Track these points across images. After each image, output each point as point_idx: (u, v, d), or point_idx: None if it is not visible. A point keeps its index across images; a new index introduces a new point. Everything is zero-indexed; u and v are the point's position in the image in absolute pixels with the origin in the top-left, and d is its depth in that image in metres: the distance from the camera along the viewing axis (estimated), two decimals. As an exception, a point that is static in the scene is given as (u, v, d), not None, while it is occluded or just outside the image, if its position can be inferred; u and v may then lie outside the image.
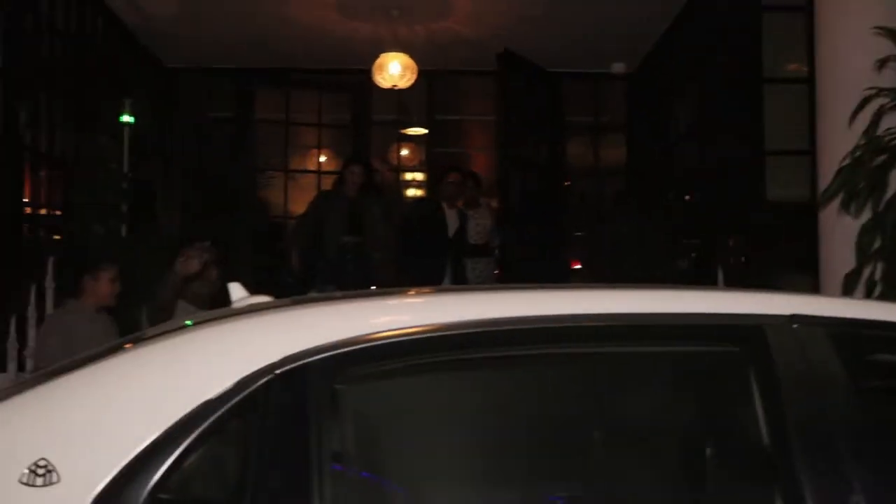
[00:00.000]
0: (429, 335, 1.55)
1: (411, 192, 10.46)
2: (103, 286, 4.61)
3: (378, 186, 7.29)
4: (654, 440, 1.67)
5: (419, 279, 6.67)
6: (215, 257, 4.34)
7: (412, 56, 7.92)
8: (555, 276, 8.61)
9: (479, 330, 1.57)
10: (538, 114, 9.05)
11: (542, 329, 1.60)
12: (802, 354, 1.57)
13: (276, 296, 2.06)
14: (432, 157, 9.60)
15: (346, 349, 1.51)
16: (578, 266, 9.52)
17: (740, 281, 6.33)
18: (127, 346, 1.69)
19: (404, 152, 10.19)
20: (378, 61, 7.87)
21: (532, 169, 9.02)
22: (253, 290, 2.06)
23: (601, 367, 1.70)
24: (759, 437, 1.53)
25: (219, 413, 1.44)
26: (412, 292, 2.00)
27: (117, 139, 7.36)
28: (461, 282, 6.81)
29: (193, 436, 1.42)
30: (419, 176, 10.40)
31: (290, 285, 6.38)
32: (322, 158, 9.47)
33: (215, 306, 4.21)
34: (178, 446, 1.41)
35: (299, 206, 7.10)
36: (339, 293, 2.04)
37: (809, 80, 4.82)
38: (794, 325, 1.60)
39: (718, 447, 1.64)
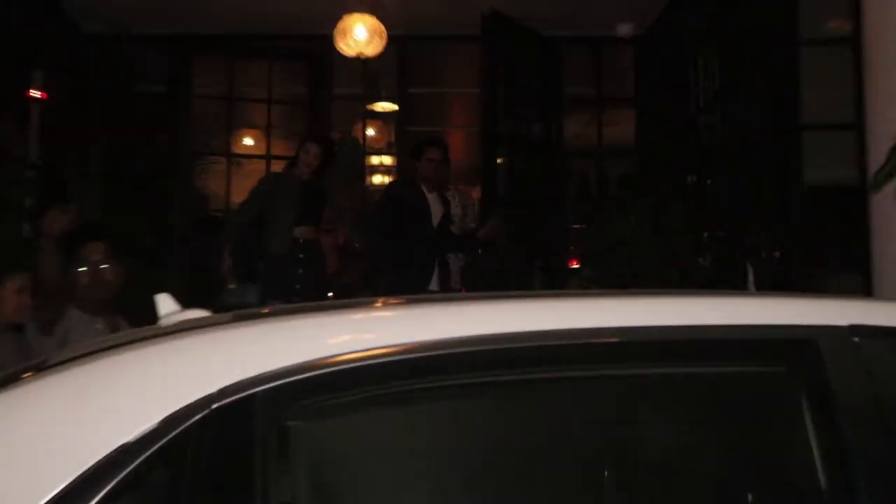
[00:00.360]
0: (401, 358, 1.53)
1: (378, 180, 10.43)
2: (7, 299, 4.50)
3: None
4: (684, 482, 1.64)
5: (404, 284, 6.63)
6: (106, 248, 4.25)
7: (381, 18, 7.87)
8: (549, 279, 8.62)
9: (464, 351, 1.55)
10: (530, 85, 9.05)
11: (544, 349, 1.59)
12: (865, 374, 1.56)
13: (216, 309, 2.01)
14: (403, 138, 9.55)
15: (299, 377, 1.49)
16: (577, 265, 9.53)
17: (774, 281, 6.32)
18: (25, 375, 1.62)
19: (370, 132, 10.18)
20: (340, 24, 7.85)
21: (522, 150, 9.02)
22: (186, 302, 2.01)
23: (617, 393, 1.69)
24: (812, 476, 1.51)
25: (139, 460, 1.40)
26: (380, 304, 1.98)
27: (22, 120, 7.26)
28: (447, 283, 6.76)
29: (106, 490, 1.37)
30: (387, 160, 10.38)
31: (235, 293, 6.32)
32: (272, 140, 9.41)
33: (115, 317, 4.18)
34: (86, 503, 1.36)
35: (245, 196, 6.91)
36: (289, 306, 2.00)
37: (854, 40, 4.81)
38: (855, 339, 1.60)
39: (763, 489, 1.61)
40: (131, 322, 5.69)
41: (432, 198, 6.89)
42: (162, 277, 7.09)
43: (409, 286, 6.68)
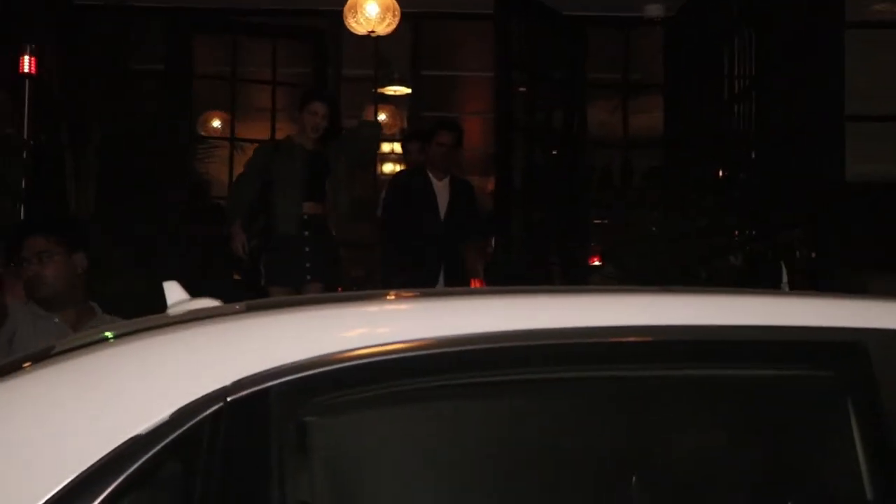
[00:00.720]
0: (420, 353, 1.55)
1: (389, 168, 10.44)
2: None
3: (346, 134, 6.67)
4: (724, 489, 1.64)
5: (409, 278, 6.63)
6: (49, 242, 4.27)
7: (394, -6, 7.88)
8: (569, 275, 8.62)
9: (483, 347, 1.56)
10: (550, 68, 9.02)
11: (569, 346, 1.60)
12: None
13: (225, 299, 2.02)
14: (416, 123, 9.55)
15: (315, 371, 1.50)
16: (598, 262, 9.52)
17: (809, 281, 6.31)
18: (26, 364, 1.64)
19: (382, 116, 10.18)
20: (351, 1, 7.83)
21: (540, 138, 9.00)
22: (192, 291, 2.03)
23: (650, 395, 1.68)
24: (858, 484, 1.51)
25: (150, 453, 1.41)
26: (398, 297, 1.98)
27: (14, 96, 7.28)
28: (456, 277, 6.73)
29: (115, 484, 1.38)
30: (399, 147, 10.38)
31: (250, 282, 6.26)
32: (277, 124, 9.42)
33: (83, 310, 4.20)
34: (94, 499, 1.37)
35: (240, 171, 6.68)
36: (304, 296, 2.01)
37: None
38: (906, 342, 1.60)
39: (807, 498, 1.62)
40: (124, 312, 5.74)
41: (441, 185, 6.84)
42: (161, 265, 7.09)
43: (416, 281, 6.70)
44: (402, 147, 7.88)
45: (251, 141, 8.81)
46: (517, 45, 8.61)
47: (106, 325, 4.10)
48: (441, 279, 6.70)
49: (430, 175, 6.87)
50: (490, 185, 8.67)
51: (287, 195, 6.12)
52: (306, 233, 6.14)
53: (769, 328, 1.64)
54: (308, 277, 6.08)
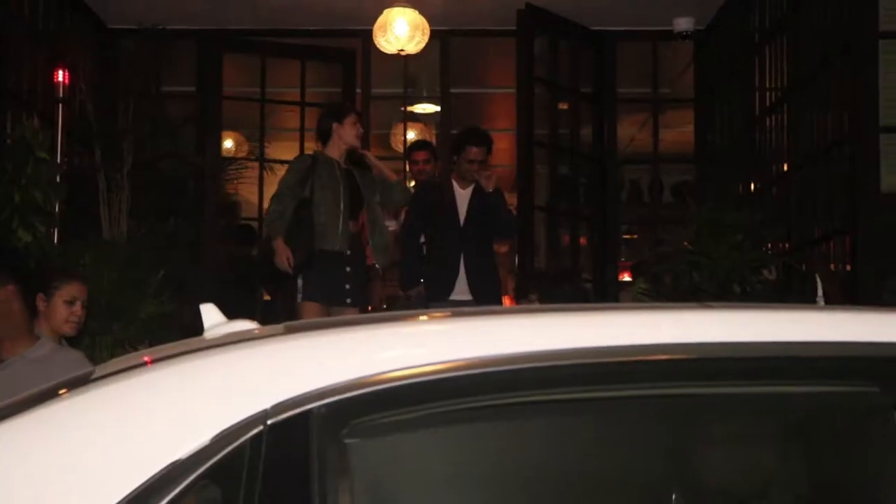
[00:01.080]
0: (460, 374, 1.54)
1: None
2: (57, 310, 4.62)
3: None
4: None
5: (429, 286, 6.60)
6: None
7: (422, 12, 7.88)
8: (598, 291, 8.58)
9: (525, 367, 1.55)
10: (576, 84, 9.03)
11: (611, 365, 1.58)
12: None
13: (262, 320, 2.02)
14: (446, 141, 9.55)
15: (355, 393, 1.50)
16: (629, 278, 9.48)
17: (844, 295, 6.25)
18: (63, 391, 1.64)
19: (411, 135, 10.17)
20: (380, 19, 7.86)
21: (566, 154, 9.01)
22: (228, 313, 2.02)
23: (692, 413, 1.68)
24: None
25: (191, 477, 1.41)
26: (438, 317, 1.97)
27: (48, 121, 7.35)
28: (479, 284, 6.60)
29: None
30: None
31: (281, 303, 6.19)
32: (306, 144, 9.45)
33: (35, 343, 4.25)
34: (138, 523, 1.37)
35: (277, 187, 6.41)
36: (342, 318, 2.01)
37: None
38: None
39: None
40: (157, 333, 5.77)
41: (464, 194, 6.68)
42: (193, 286, 7.11)
43: (434, 288, 6.58)
44: (407, 156, 7.78)
45: (280, 161, 8.85)
46: (541, 61, 8.62)
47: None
48: (463, 279, 6.54)
49: (455, 184, 6.74)
50: (513, 200, 8.66)
51: (331, 212, 5.99)
52: (349, 252, 6.02)
53: (818, 344, 1.62)
54: (348, 301, 5.98)
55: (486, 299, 6.42)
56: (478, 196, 6.66)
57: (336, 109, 6.45)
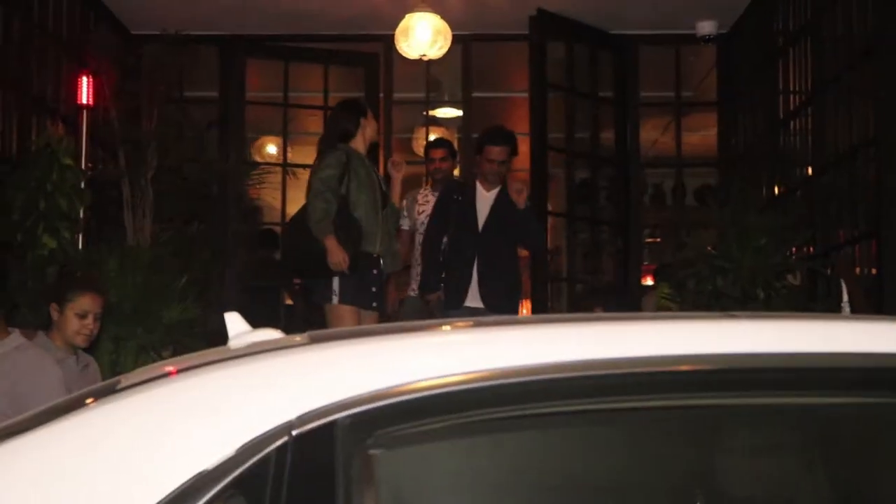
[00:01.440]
0: (487, 384, 1.53)
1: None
2: (69, 321, 4.63)
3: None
4: None
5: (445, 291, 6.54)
6: None
7: (444, 17, 7.88)
8: (619, 298, 8.56)
9: (551, 377, 1.55)
10: (594, 88, 9.05)
11: (636, 375, 1.57)
12: None
13: (287, 328, 2.02)
14: (468, 145, 9.56)
15: (381, 403, 1.50)
16: (651, 281, 9.46)
17: (871, 300, 6.21)
18: (89, 400, 1.65)
19: (432, 138, 10.17)
20: (402, 24, 7.85)
21: (584, 158, 9.07)
22: (250, 318, 2.03)
23: (717, 425, 1.67)
24: None
25: (217, 488, 1.41)
26: (459, 326, 1.97)
27: (72, 126, 7.40)
28: (493, 287, 6.50)
29: None
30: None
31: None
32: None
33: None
34: (164, 534, 1.38)
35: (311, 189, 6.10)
36: (366, 327, 2.01)
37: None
38: None
39: None
40: (181, 339, 5.79)
41: (487, 196, 6.55)
42: (216, 291, 7.13)
43: (448, 294, 6.50)
44: (425, 154, 7.69)
45: (303, 166, 8.86)
46: (557, 66, 8.63)
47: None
48: (472, 292, 6.40)
49: (479, 186, 6.60)
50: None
51: (370, 212, 5.82)
52: (376, 254, 5.89)
53: (854, 355, 1.60)
54: (374, 305, 5.85)
55: (497, 309, 6.28)
56: (502, 201, 6.53)
57: (359, 105, 6.27)
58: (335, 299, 5.74)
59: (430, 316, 6.63)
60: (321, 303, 5.86)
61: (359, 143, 5.98)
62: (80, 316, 4.59)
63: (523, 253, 7.52)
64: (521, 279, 6.82)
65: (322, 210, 5.75)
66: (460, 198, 6.61)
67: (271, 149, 10.42)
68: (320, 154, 6.03)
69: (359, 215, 5.78)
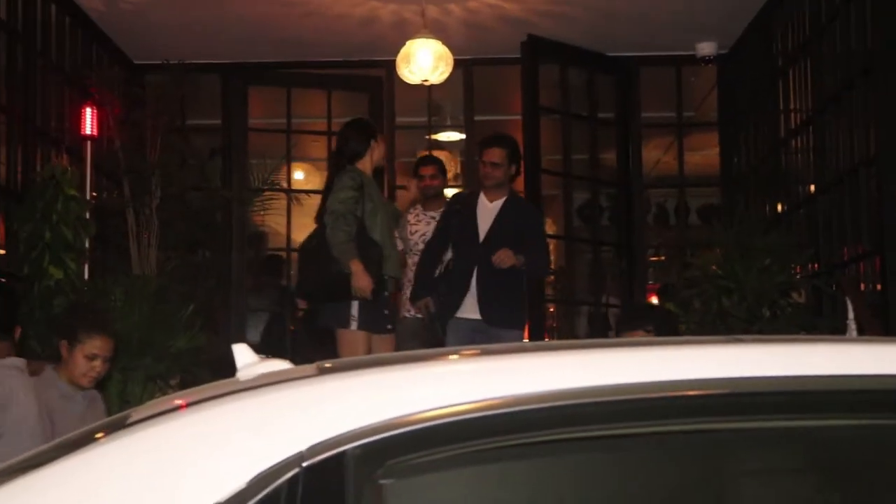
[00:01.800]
0: (496, 413, 1.53)
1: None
2: (77, 362, 4.52)
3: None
4: None
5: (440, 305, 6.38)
6: None
7: (445, 42, 7.92)
8: (623, 317, 8.54)
9: (561, 404, 1.55)
10: (594, 110, 9.09)
11: (646, 401, 1.57)
12: None
13: (294, 359, 2.02)
14: (471, 168, 9.58)
15: (391, 433, 1.49)
16: (656, 300, 9.45)
17: (877, 316, 6.20)
18: (99, 435, 1.65)
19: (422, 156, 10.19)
20: (403, 50, 7.87)
21: (580, 180, 9.14)
22: (259, 350, 2.02)
23: (729, 450, 1.66)
24: None
25: (230, 521, 1.41)
26: (468, 355, 1.97)
27: (77, 157, 7.42)
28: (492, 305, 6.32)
29: None
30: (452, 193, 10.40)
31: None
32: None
33: None
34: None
35: (305, 234, 6.27)
36: (375, 356, 2.00)
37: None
38: None
39: None
40: (188, 368, 5.78)
41: (490, 207, 6.39)
42: (223, 319, 7.13)
43: (441, 305, 6.34)
44: (415, 171, 7.53)
45: (307, 192, 8.90)
46: (549, 89, 8.68)
47: None
48: (468, 302, 6.21)
49: (483, 197, 6.46)
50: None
51: (385, 234, 5.73)
52: (391, 277, 5.82)
53: (851, 377, 1.60)
54: (388, 327, 5.78)
55: (499, 321, 6.19)
56: (506, 213, 6.39)
57: (370, 127, 6.20)
58: (354, 325, 5.62)
59: (427, 333, 6.58)
60: (332, 327, 5.74)
61: (366, 165, 5.90)
62: (88, 358, 4.50)
63: None
64: (524, 293, 6.58)
65: (346, 233, 5.61)
66: (461, 209, 6.51)
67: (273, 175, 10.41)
68: (333, 174, 5.97)
69: (376, 238, 5.68)
